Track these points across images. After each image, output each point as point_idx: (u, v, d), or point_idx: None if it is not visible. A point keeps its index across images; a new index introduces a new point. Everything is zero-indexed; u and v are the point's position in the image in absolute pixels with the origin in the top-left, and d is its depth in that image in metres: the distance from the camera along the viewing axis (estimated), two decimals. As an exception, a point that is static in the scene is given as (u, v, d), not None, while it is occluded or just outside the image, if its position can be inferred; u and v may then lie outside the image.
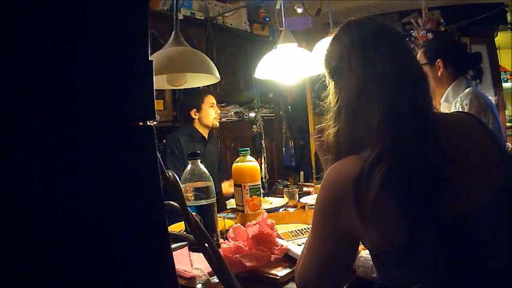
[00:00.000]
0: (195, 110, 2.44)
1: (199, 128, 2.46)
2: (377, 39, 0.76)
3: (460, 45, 1.84)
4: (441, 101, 1.76)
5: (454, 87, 1.72)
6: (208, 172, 1.06)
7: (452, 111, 1.69)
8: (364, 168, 0.68)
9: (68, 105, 0.39)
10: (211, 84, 1.45)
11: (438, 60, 1.73)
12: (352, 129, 0.76)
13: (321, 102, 0.85)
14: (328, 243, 0.76)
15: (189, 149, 2.27)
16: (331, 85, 0.83)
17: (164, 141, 2.52)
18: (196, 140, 2.42)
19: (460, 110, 1.64)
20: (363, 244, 0.76)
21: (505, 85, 3.92)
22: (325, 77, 0.85)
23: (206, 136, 2.49)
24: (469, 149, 0.74)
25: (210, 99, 2.47)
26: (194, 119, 2.45)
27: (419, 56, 1.80)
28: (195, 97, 2.49)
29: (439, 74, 1.73)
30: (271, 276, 0.99)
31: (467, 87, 1.70)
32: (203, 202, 1.01)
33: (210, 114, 2.45)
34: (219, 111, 2.52)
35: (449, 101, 1.73)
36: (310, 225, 0.82)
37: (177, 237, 1.13)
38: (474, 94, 1.66)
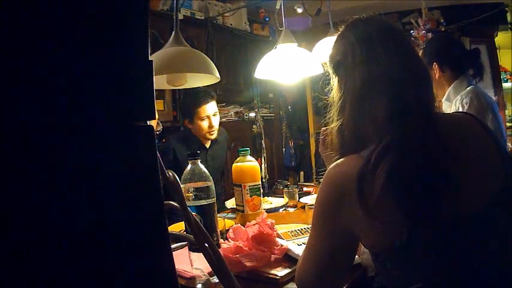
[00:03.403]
0: (187, 120, 2.17)
1: (197, 136, 2.18)
2: (382, 37, 0.76)
3: (456, 46, 1.83)
4: (443, 100, 1.76)
5: (456, 86, 1.72)
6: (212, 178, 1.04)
7: (452, 109, 1.69)
8: (368, 164, 0.68)
9: (67, 105, 0.39)
10: (211, 84, 1.45)
11: (434, 63, 1.74)
12: (357, 123, 0.77)
13: (325, 97, 0.86)
14: (328, 242, 0.76)
15: (185, 161, 2.01)
16: (335, 81, 0.83)
17: (163, 140, 2.33)
18: (194, 148, 2.07)
19: (460, 108, 1.64)
20: (362, 244, 0.77)
21: (505, 85, 3.92)
22: (329, 73, 0.86)
23: (207, 145, 2.21)
24: (469, 149, 0.74)
25: (203, 112, 2.09)
26: (190, 128, 2.18)
27: None
28: (189, 106, 2.16)
29: (436, 77, 1.74)
30: (271, 276, 0.99)
31: (468, 86, 1.70)
32: (203, 202, 1.01)
33: (201, 128, 2.12)
34: (215, 124, 2.13)
35: (451, 100, 1.73)
36: (310, 225, 0.82)
37: (177, 237, 1.13)
38: (475, 93, 1.65)
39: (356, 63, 0.76)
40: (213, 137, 2.17)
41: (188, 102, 2.19)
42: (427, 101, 0.74)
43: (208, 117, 2.12)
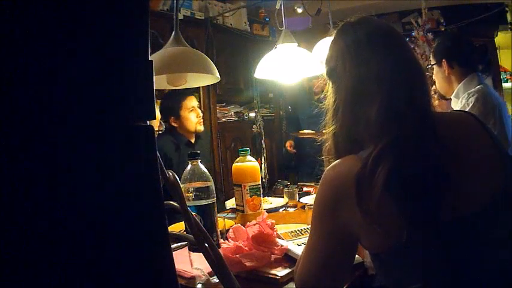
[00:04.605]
0: (173, 117, 2.21)
1: (184, 132, 2.24)
2: (371, 40, 0.77)
3: (464, 42, 1.83)
4: (452, 97, 1.75)
5: (466, 83, 1.71)
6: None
7: (458, 106, 1.68)
8: (366, 166, 0.68)
9: (67, 105, 0.39)
10: (211, 84, 1.45)
11: (443, 60, 1.73)
12: (350, 127, 0.77)
13: (320, 104, 0.87)
14: (327, 243, 0.76)
15: (176, 158, 2.09)
16: (329, 86, 0.84)
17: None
18: (182, 147, 2.19)
19: (465, 105, 1.62)
20: (361, 244, 0.76)
21: (505, 85, 3.91)
22: (325, 79, 0.87)
23: (193, 140, 2.28)
24: (468, 149, 0.74)
25: (189, 103, 2.21)
26: (175, 126, 2.24)
27: (431, 56, 1.81)
28: (173, 103, 2.21)
29: (446, 73, 1.74)
30: (271, 276, 0.99)
31: (478, 84, 1.68)
32: (203, 202, 1.01)
33: (190, 119, 2.20)
34: (201, 114, 2.26)
35: (459, 97, 1.71)
36: (310, 226, 0.82)
37: (177, 237, 1.13)
38: (482, 92, 1.63)
39: (346, 69, 0.77)
40: (202, 128, 2.28)
41: (171, 100, 2.24)
42: (422, 100, 0.74)
43: (194, 107, 2.22)
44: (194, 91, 2.33)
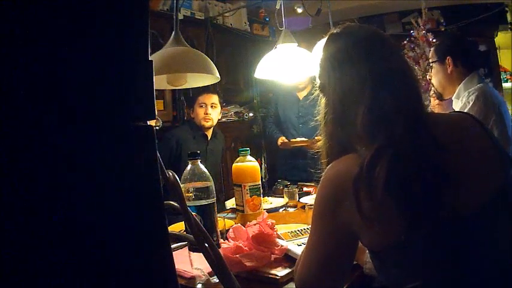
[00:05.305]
0: (191, 110, 2.43)
1: (198, 125, 2.39)
2: (349, 50, 0.79)
3: (469, 42, 1.83)
4: (453, 97, 1.75)
5: (466, 82, 1.71)
6: (210, 173, 1.06)
7: (459, 105, 1.68)
8: (363, 167, 0.69)
9: (67, 106, 0.39)
10: (211, 84, 1.45)
11: (448, 57, 1.73)
12: (338, 134, 0.80)
13: (315, 118, 0.88)
14: (328, 242, 0.76)
15: (188, 147, 2.24)
16: (321, 99, 0.86)
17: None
18: (197, 137, 2.37)
19: (466, 104, 1.62)
20: (361, 242, 0.77)
21: (505, 85, 3.91)
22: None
23: (209, 136, 2.41)
24: (466, 149, 0.74)
25: (201, 99, 2.36)
26: (193, 118, 2.42)
27: (431, 53, 1.81)
28: (193, 96, 2.43)
29: (449, 71, 1.73)
30: (271, 276, 0.99)
31: (479, 83, 1.68)
32: (203, 202, 1.01)
33: (198, 114, 2.35)
34: (209, 112, 2.34)
35: (460, 97, 1.71)
36: (310, 225, 0.82)
37: (177, 237, 1.13)
38: (482, 91, 1.62)
39: (330, 81, 0.80)
40: (208, 124, 2.35)
41: (191, 93, 2.53)
42: (411, 100, 0.75)
43: (205, 104, 2.34)
44: (215, 91, 2.52)
